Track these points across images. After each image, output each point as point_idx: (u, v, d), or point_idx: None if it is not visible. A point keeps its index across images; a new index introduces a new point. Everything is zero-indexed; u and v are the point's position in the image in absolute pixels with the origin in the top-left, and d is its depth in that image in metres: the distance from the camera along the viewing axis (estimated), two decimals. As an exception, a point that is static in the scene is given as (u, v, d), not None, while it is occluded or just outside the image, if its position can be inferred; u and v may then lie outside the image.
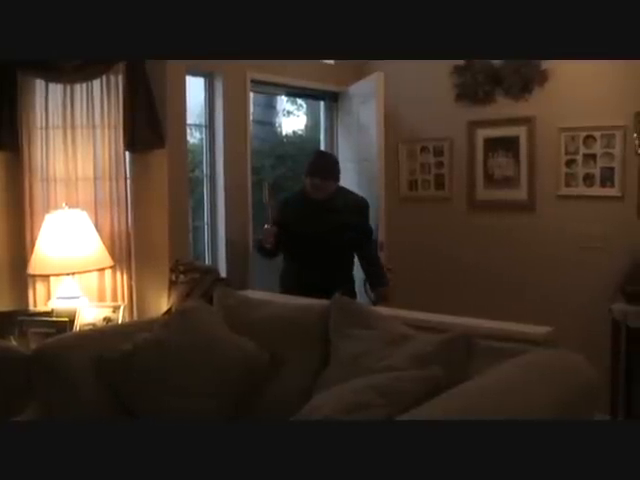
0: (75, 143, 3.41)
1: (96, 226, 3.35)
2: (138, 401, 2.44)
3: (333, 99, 4.92)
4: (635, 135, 3.81)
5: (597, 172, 4.00)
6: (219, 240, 4.10)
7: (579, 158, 4.05)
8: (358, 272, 3.91)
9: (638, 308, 3.55)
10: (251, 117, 4.32)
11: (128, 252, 3.50)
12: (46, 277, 3.32)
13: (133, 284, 3.51)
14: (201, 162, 4.17)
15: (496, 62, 4.31)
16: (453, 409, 1.58)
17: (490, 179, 4.44)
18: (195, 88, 3.99)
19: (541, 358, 2.03)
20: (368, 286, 3.98)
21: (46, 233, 3.17)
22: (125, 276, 3.49)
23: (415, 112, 4.72)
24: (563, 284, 4.13)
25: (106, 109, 3.44)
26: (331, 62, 4.75)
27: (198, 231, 4.19)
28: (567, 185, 4.11)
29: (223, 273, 3.92)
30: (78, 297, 3.24)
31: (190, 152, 3.99)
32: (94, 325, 3.15)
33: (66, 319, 3.12)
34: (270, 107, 6.11)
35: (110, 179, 3.45)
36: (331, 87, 4.81)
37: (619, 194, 3.92)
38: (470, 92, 4.45)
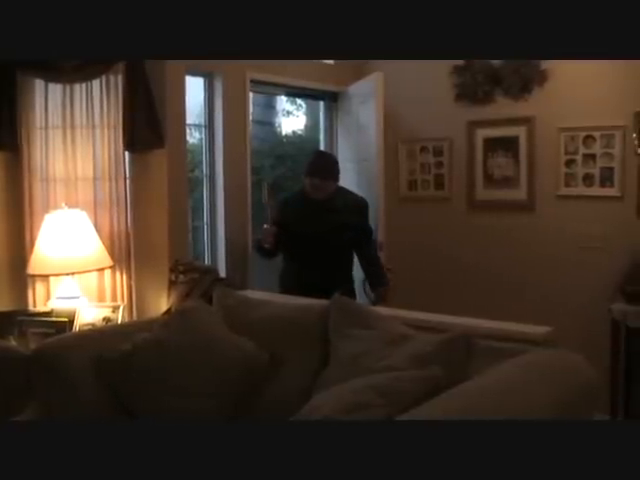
0: (75, 143, 3.41)
1: (95, 226, 3.35)
2: (138, 401, 2.44)
3: (333, 99, 4.92)
4: (635, 135, 3.81)
5: (597, 172, 4.00)
6: (218, 240, 4.10)
7: (579, 158, 4.06)
8: (357, 272, 3.91)
9: (638, 308, 3.55)
10: (251, 117, 4.32)
11: (128, 252, 3.50)
12: (46, 277, 3.32)
13: (132, 284, 3.51)
14: (201, 162, 4.17)
15: (496, 62, 4.31)
16: (453, 409, 1.58)
17: (490, 179, 4.44)
18: (195, 88, 3.99)
19: (541, 358, 2.03)
20: (368, 286, 3.99)
21: (46, 233, 3.17)
22: (125, 276, 3.49)
23: (415, 112, 4.72)
24: (563, 284, 4.13)
25: (106, 109, 3.43)
26: (331, 62, 4.75)
27: (197, 231, 4.19)
28: (567, 185, 4.12)
29: (222, 273, 3.92)
30: (78, 297, 3.24)
31: (190, 152, 3.99)
32: (93, 325, 3.15)
33: (66, 319, 3.12)
34: (270, 107, 6.11)
35: (110, 179, 3.45)
36: (331, 87, 4.81)
37: (619, 194, 3.93)
38: (470, 92, 4.45)
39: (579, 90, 4.01)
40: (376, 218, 4.19)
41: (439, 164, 4.68)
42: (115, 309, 3.26)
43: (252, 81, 4.20)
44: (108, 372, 2.46)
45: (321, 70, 4.66)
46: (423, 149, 4.73)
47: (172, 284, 3.36)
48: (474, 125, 4.46)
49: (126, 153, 3.46)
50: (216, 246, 4.11)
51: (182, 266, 3.38)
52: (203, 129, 4.12)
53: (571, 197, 4.10)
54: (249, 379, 2.47)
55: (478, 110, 4.43)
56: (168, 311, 3.18)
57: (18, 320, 3.10)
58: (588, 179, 4.04)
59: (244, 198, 4.15)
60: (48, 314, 3.17)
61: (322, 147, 4.99)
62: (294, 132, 6.35)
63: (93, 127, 3.43)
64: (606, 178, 3.97)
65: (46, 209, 3.30)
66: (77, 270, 3.21)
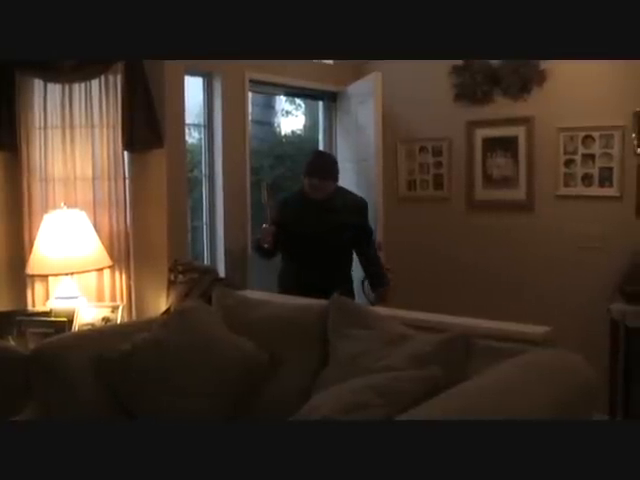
0: (74, 143, 3.41)
1: (95, 226, 3.35)
2: (137, 401, 2.44)
3: (332, 99, 4.93)
4: (634, 135, 3.81)
5: (596, 172, 4.00)
6: (218, 240, 4.10)
7: (578, 158, 4.06)
8: (356, 272, 3.91)
9: (637, 308, 3.55)
10: (250, 117, 4.32)
11: (127, 252, 3.50)
12: (45, 277, 3.32)
13: (132, 284, 3.51)
14: (200, 162, 4.17)
15: (495, 62, 4.31)
16: (452, 409, 1.58)
17: (489, 179, 4.44)
18: (194, 88, 3.99)
19: (540, 358, 2.03)
20: (368, 286, 3.99)
21: (45, 233, 3.17)
22: (124, 276, 3.48)
23: (414, 112, 4.72)
24: (562, 284, 4.13)
25: (105, 109, 3.43)
26: (330, 62, 4.75)
27: (197, 231, 4.19)
28: (566, 185, 4.12)
29: (222, 273, 3.92)
30: (77, 297, 3.24)
31: (189, 152, 3.99)
32: (93, 325, 3.15)
33: (65, 319, 3.12)
34: (269, 107, 6.10)
35: (109, 179, 3.45)
36: (330, 87, 4.81)
37: (618, 194, 3.93)
38: (469, 92, 4.45)
39: (578, 90, 4.01)
40: (375, 218, 4.19)
41: (438, 164, 4.68)
42: (114, 309, 3.26)
43: (251, 81, 4.20)
44: (107, 372, 2.46)
45: (320, 70, 4.66)
46: (422, 149, 4.73)
47: (171, 284, 3.36)
48: (473, 125, 4.46)
49: (125, 153, 3.46)
50: (215, 246, 4.11)
51: (181, 266, 3.38)
52: (202, 129, 4.12)
53: (570, 197, 4.11)
54: (248, 379, 2.47)
55: (477, 110, 4.43)
56: (167, 311, 3.18)
57: (17, 320, 3.10)
58: (587, 179, 4.04)
59: (243, 198, 4.15)
60: (47, 314, 3.17)
61: (321, 147, 4.99)
62: (293, 132, 6.35)
63: (92, 127, 3.43)
64: (605, 178, 3.97)
65: (45, 209, 3.30)
66: (76, 270, 3.21)
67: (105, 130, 3.44)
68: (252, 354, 2.50)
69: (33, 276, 3.29)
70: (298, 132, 6.33)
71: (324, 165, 3.71)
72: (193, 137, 4.34)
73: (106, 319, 3.20)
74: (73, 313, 3.15)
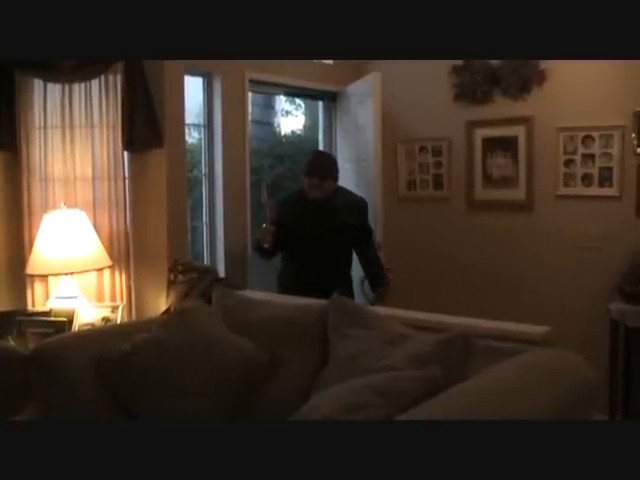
0: (73, 143, 3.41)
1: (94, 226, 3.35)
2: (137, 401, 2.44)
3: (332, 99, 4.92)
4: (633, 135, 3.81)
5: (595, 172, 4.00)
6: (217, 240, 4.10)
7: (577, 158, 4.06)
8: (355, 272, 3.91)
9: (636, 308, 3.55)
10: (250, 117, 4.32)
11: (127, 252, 3.50)
12: (44, 277, 3.31)
13: (132, 284, 3.50)
14: (200, 162, 4.17)
15: (494, 62, 4.31)
16: (451, 409, 1.58)
17: (488, 179, 4.44)
18: (194, 88, 3.99)
19: (539, 358, 2.03)
20: (368, 286, 3.99)
21: (44, 233, 3.17)
22: (124, 276, 3.48)
23: (414, 112, 4.72)
24: (561, 284, 4.13)
25: (104, 109, 3.43)
26: (330, 62, 4.75)
27: (197, 231, 4.19)
28: (565, 185, 4.12)
29: (222, 273, 3.92)
30: (76, 297, 3.24)
31: (189, 152, 3.99)
32: (93, 325, 3.15)
33: (64, 319, 3.12)
34: (269, 107, 6.10)
35: (108, 179, 3.45)
36: (330, 87, 4.81)
37: (617, 194, 3.93)
38: (468, 92, 4.45)
39: (578, 90, 4.01)
40: (374, 218, 4.19)
41: (438, 164, 4.68)
42: (114, 309, 3.26)
43: (251, 81, 4.20)
44: (107, 372, 2.46)
45: (320, 70, 4.66)
46: (422, 149, 4.73)
47: (171, 284, 3.36)
48: (473, 125, 4.46)
49: (125, 153, 3.46)
50: (215, 246, 4.11)
51: (181, 266, 3.38)
52: (202, 129, 4.12)
53: (570, 197, 4.11)
54: (248, 379, 2.47)
55: (477, 110, 4.43)
56: (167, 311, 3.18)
57: (17, 320, 3.10)
58: (587, 179, 4.04)
59: (243, 198, 4.15)
60: (47, 314, 3.17)
61: (321, 147, 4.99)
62: (293, 132, 6.35)
63: (92, 127, 3.43)
64: (605, 178, 3.97)
65: (45, 209, 3.30)
66: (76, 270, 3.21)
67: (105, 130, 3.44)
68: (252, 354, 2.50)
69: (33, 276, 3.29)
70: (298, 132, 6.33)
71: (324, 165, 3.71)
72: (193, 137, 4.34)
73: (106, 319, 3.20)
74: (73, 313, 3.15)
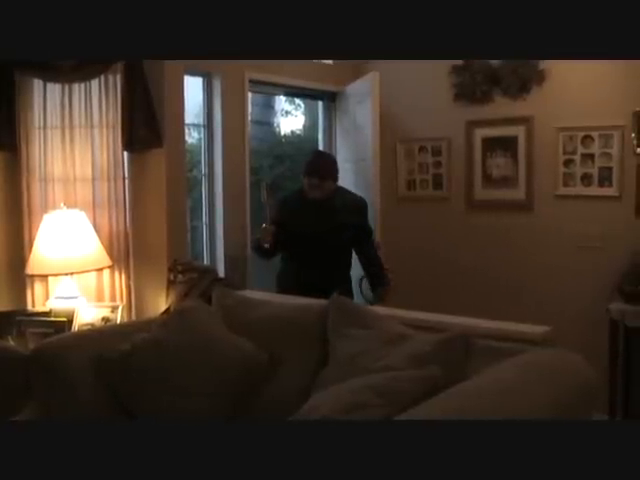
0: (73, 143, 3.41)
1: (94, 226, 3.35)
2: (136, 401, 2.44)
3: (331, 99, 4.93)
4: (633, 135, 3.81)
5: (595, 172, 4.00)
6: (217, 240, 4.10)
7: (577, 158, 4.06)
8: (354, 272, 3.91)
9: (636, 308, 3.55)
10: (249, 117, 4.32)
11: (126, 252, 3.50)
12: (44, 277, 3.31)
13: (131, 284, 3.50)
14: (199, 162, 4.17)
15: (494, 62, 4.31)
16: (451, 409, 1.58)
17: (488, 179, 4.44)
18: (193, 88, 3.99)
19: (539, 358, 2.03)
20: (367, 286, 3.98)
21: (44, 233, 3.17)
22: (123, 276, 3.48)
23: (413, 112, 4.72)
24: (561, 284, 4.13)
25: (104, 109, 3.43)
26: (329, 62, 4.75)
27: (196, 231, 4.19)
28: (565, 185, 4.12)
29: (221, 273, 3.92)
30: (76, 297, 3.24)
31: (188, 152, 3.99)
32: (92, 325, 3.15)
33: (64, 319, 3.12)
34: (268, 107, 6.10)
35: (108, 179, 3.45)
36: (329, 87, 4.81)
37: (617, 194, 3.93)
38: (468, 92, 4.45)
39: (577, 90, 4.01)
40: (373, 218, 4.19)
41: (437, 164, 4.68)
42: (114, 309, 3.26)
43: (251, 81, 4.20)
44: (107, 372, 2.46)
45: (320, 70, 4.67)
46: (422, 149, 4.73)
47: (171, 284, 3.36)
48: (473, 125, 4.46)
49: (125, 153, 3.46)
50: (215, 246, 4.11)
51: (181, 266, 3.38)
52: (202, 129, 4.12)
53: (569, 197, 4.11)
54: (248, 379, 2.47)
55: (477, 110, 4.43)
56: (167, 311, 3.18)
57: (17, 320, 3.10)
58: (586, 179, 4.04)
59: (243, 198, 4.16)
60: (47, 314, 3.17)
61: (321, 147, 5.00)
62: (293, 132, 6.34)
63: (92, 127, 3.43)
64: (604, 178, 3.97)
65: (45, 209, 3.30)
66: (76, 270, 3.21)
67: (105, 130, 3.44)
68: (252, 354, 2.50)
69: (33, 276, 3.28)
70: (298, 132, 6.33)
71: (324, 165, 3.71)
72: (193, 137, 4.34)
73: (106, 319, 3.20)
74: (73, 313, 3.15)
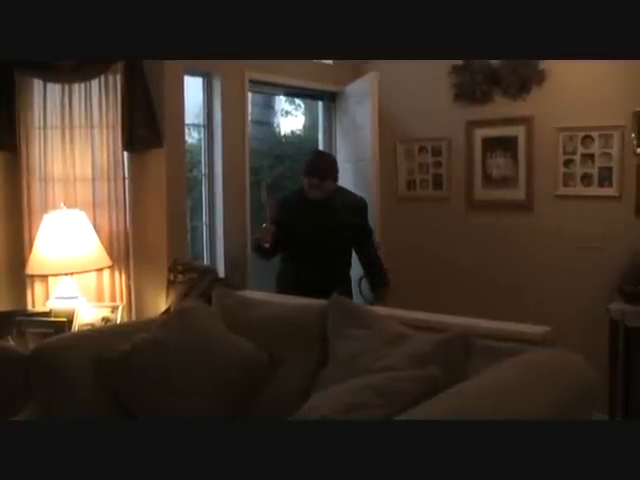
0: (73, 143, 3.41)
1: (94, 226, 3.35)
2: (137, 401, 2.44)
3: (331, 99, 4.93)
4: (633, 135, 3.81)
5: (595, 172, 4.00)
6: (217, 240, 4.10)
7: (577, 158, 4.06)
8: (353, 272, 3.91)
9: (636, 308, 3.55)
10: (249, 117, 4.32)
11: (126, 252, 3.50)
12: (44, 277, 3.31)
13: (131, 284, 3.51)
14: (199, 162, 4.17)
15: (494, 62, 4.31)
16: (451, 409, 1.58)
17: (488, 179, 4.44)
18: (193, 88, 3.99)
19: (539, 358, 2.03)
20: (367, 286, 3.98)
21: (44, 233, 3.17)
22: (123, 276, 3.48)
23: (413, 112, 4.72)
24: (561, 284, 4.13)
25: (104, 109, 3.43)
26: (329, 62, 4.75)
27: (196, 231, 4.19)
28: (565, 185, 4.12)
29: (221, 273, 3.92)
30: (76, 297, 3.24)
31: (188, 152, 3.99)
32: (92, 325, 3.15)
33: (64, 319, 3.12)
34: (268, 107, 6.10)
35: (108, 179, 3.45)
36: (329, 87, 4.81)
37: (617, 194, 3.93)
38: (468, 92, 4.45)
39: (577, 90, 4.01)
40: (372, 218, 4.19)
41: (437, 164, 4.68)
42: (114, 309, 3.26)
43: (251, 81, 4.20)
44: (107, 372, 2.46)
45: (320, 70, 4.67)
46: (422, 149, 4.73)
47: (171, 284, 3.36)
48: (473, 125, 4.46)
49: (125, 153, 3.46)
50: (215, 246, 4.11)
51: (181, 266, 3.38)
52: (202, 129, 4.12)
53: (569, 197, 4.11)
54: (248, 379, 2.47)
55: (477, 110, 4.43)
56: (167, 311, 3.18)
57: (17, 320, 3.10)
58: (586, 179, 4.04)
59: (243, 198, 4.15)
60: (47, 314, 3.17)
61: (321, 147, 5.00)
62: (293, 132, 6.34)
63: (92, 127, 3.43)
64: (604, 178, 3.97)
65: (45, 209, 3.30)
66: (76, 270, 3.21)
67: (105, 130, 3.44)
68: (252, 354, 2.50)
69: (33, 276, 3.29)
70: (298, 132, 6.33)
71: (324, 165, 3.71)
72: (193, 137, 4.34)
73: (106, 319, 3.20)
74: (73, 313, 3.15)
